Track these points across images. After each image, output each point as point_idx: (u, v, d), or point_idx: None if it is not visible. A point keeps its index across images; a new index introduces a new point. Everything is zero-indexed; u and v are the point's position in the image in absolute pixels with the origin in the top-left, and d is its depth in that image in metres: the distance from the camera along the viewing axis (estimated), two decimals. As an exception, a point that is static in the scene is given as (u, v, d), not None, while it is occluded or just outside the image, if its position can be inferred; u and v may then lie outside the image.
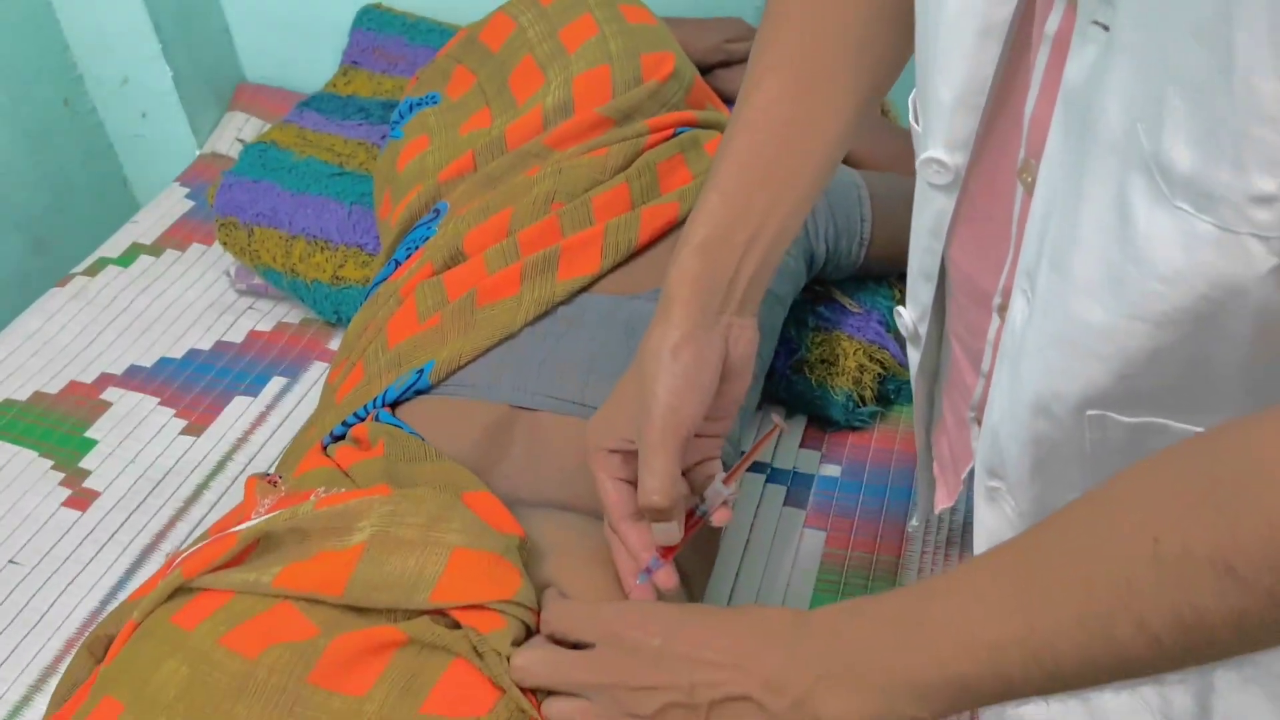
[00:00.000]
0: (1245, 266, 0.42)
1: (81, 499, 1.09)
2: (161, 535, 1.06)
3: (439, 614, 0.65)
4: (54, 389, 1.21)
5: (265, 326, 1.29)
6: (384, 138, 1.28)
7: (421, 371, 0.87)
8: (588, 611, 0.64)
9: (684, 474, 0.69)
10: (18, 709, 0.92)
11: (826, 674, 0.54)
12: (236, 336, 1.27)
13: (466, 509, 0.69)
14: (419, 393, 0.87)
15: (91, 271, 1.36)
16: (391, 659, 0.63)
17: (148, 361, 1.24)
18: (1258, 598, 0.40)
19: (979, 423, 0.67)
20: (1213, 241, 0.42)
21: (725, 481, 0.70)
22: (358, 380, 0.91)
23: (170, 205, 1.47)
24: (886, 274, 1.14)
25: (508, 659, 0.63)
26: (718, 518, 0.70)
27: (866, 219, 1.07)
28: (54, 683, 0.85)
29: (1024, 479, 0.60)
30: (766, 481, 1.06)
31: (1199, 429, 0.48)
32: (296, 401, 1.19)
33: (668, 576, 0.68)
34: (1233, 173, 0.40)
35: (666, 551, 0.68)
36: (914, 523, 0.93)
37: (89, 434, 1.15)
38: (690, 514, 0.69)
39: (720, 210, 0.66)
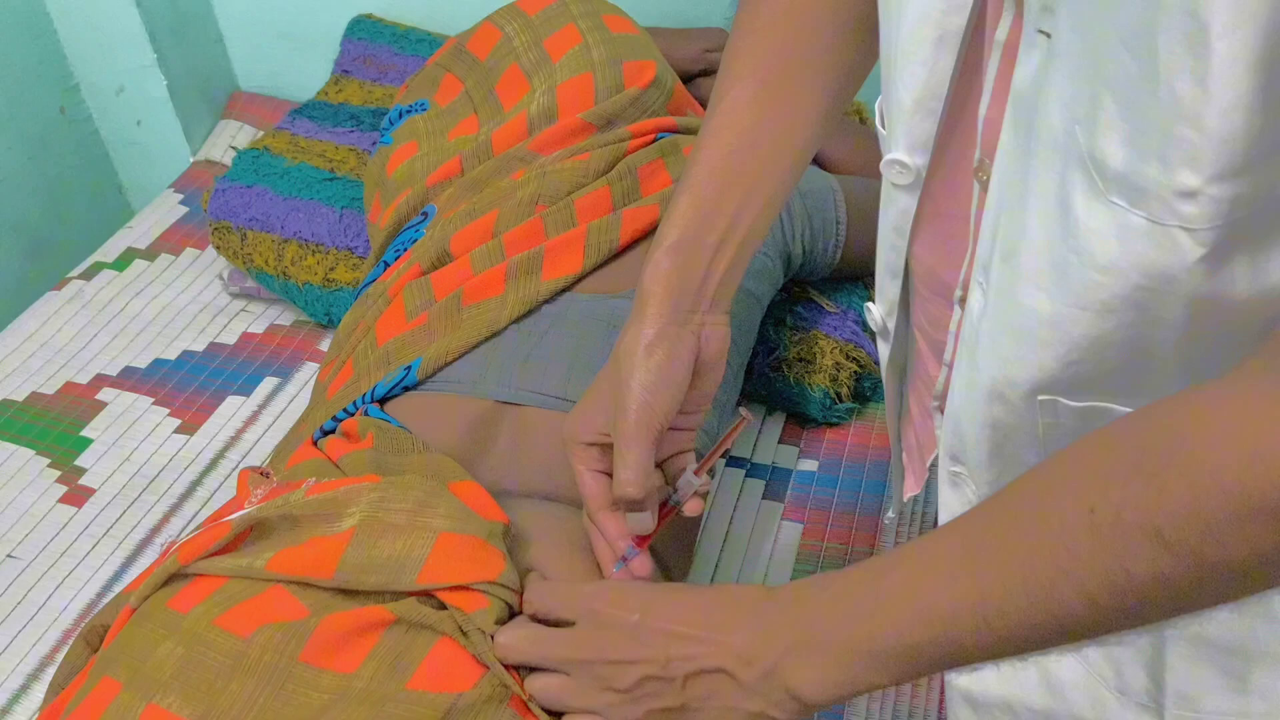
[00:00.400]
0: (1175, 257, 0.44)
1: (78, 495, 1.11)
2: (156, 530, 1.09)
3: (425, 595, 0.68)
4: (50, 389, 1.23)
5: (258, 328, 1.31)
6: (374, 144, 1.31)
7: (409, 368, 0.89)
8: (568, 591, 0.66)
9: (659, 466, 0.72)
10: (16, 697, 0.95)
11: (794, 645, 0.57)
12: (229, 338, 1.30)
13: (452, 496, 0.72)
14: (407, 389, 0.90)
15: (87, 275, 1.39)
16: (380, 638, 0.66)
17: (142, 363, 1.27)
18: (1183, 559, 0.43)
19: (942, 411, 0.69)
20: (1145, 234, 0.44)
21: (696, 472, 0.72)
22: (347, 377, 0.94)
23: (164, 211, 1.50)
24: (862, 274, 1.17)
25: (491, 637, 0.65)
26: (690, 508, 0.72)
27: (842, 221, 1.10)
28: (51, 671, 0.88)
29: (983, 463, 0.63)
30: (746, 476, 1.09)
31: None
32: (288, 401, 1.22)
33: (642, 564, 0.71)
34: (1160, 169, 0.42)
35: (641, 540, 0.71)
36: (890, 515, 0.95)
37: (85, 433, 1.18)
38: (664, 504, 0.72)
39: (691, 213, 0.68)
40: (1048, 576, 0.47)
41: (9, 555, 1.06)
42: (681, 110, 1.16)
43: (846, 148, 1.19)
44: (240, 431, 1.19)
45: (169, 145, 1.63)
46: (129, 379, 1.25)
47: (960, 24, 0.55)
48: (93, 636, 0.73)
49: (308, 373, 1.25)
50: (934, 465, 0.75)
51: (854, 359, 1.12)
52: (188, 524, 1.09)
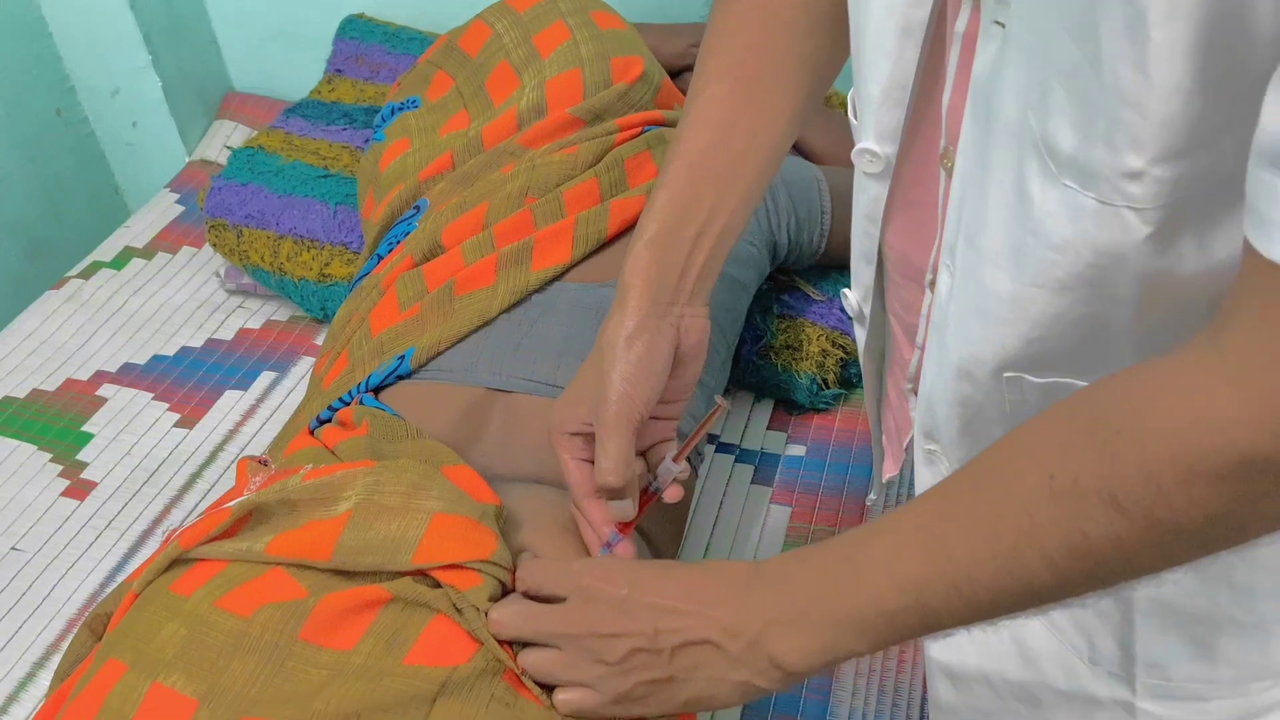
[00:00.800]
0: (1124, 235, 0.46)
1: (80, 489, 1.14)
2: (157, 522, 1.11)
3: (420, 574, 0.69)
4: (51, 386, 1.25)
5: (254, 324, 1.33)
6: (367, 141, 1.33)
7: (403, 358, 0.92)
8: (558, 568, 0.68)
9: (641, 454, 0.74)
10: (23, 684, 0.97)
11: (777, 617, 0.59)
12: (227, 334, 1.32)
13: (445, 479, 0.74)
14: (401, 378, 0.92)
15: (85, 274, 1.40)
16: (376, 616, 0.67)
17: (141, 359, 1.29)
18: (1137, 522, 0.45)
19: (915, 393, 0.72)
20: (1095, 214, 0.47)
21: (675, 459, 0.73)
22: (343, 368, 0.96)
23: (161, 210, 1.52)
24: (848, 263, 1.19)
25: (485, 614, 0.67)
26: (669, 494, 0.74)
27: (826, 211, 1.12)
28: (57, 660, 0.90)
29: (955, 439, 0.65)
30: (735, 461, 1.11)
31: None
32: (285, 394, 1.24)
33: (626, 549, 0.73)
34: (1107, 152, 0.44)
35: (624, 526, 0.73)
36: (872, 497, 0.97)
37: (86, 428, 1.20)
38: (644, 491, 0.74)
39: (669, 207, 0.70)
40: (1012, 541, 0.49)
41: (13, 548, 1.08)
42: (669, 104, 1.18)
43: (827, 138, 1.21)
44: (238, 425, 1.21)
45: (164, 146, 1.65)
46: (128, 375, 1.27)
47: (923, 16, 0.57)
48: (96, 624, 0.75)
49: (304, 367, 1.27)
50: (911, 447, 0.78)
51: (840, 346, 1.14)
52: (188, 515, 1.11)
